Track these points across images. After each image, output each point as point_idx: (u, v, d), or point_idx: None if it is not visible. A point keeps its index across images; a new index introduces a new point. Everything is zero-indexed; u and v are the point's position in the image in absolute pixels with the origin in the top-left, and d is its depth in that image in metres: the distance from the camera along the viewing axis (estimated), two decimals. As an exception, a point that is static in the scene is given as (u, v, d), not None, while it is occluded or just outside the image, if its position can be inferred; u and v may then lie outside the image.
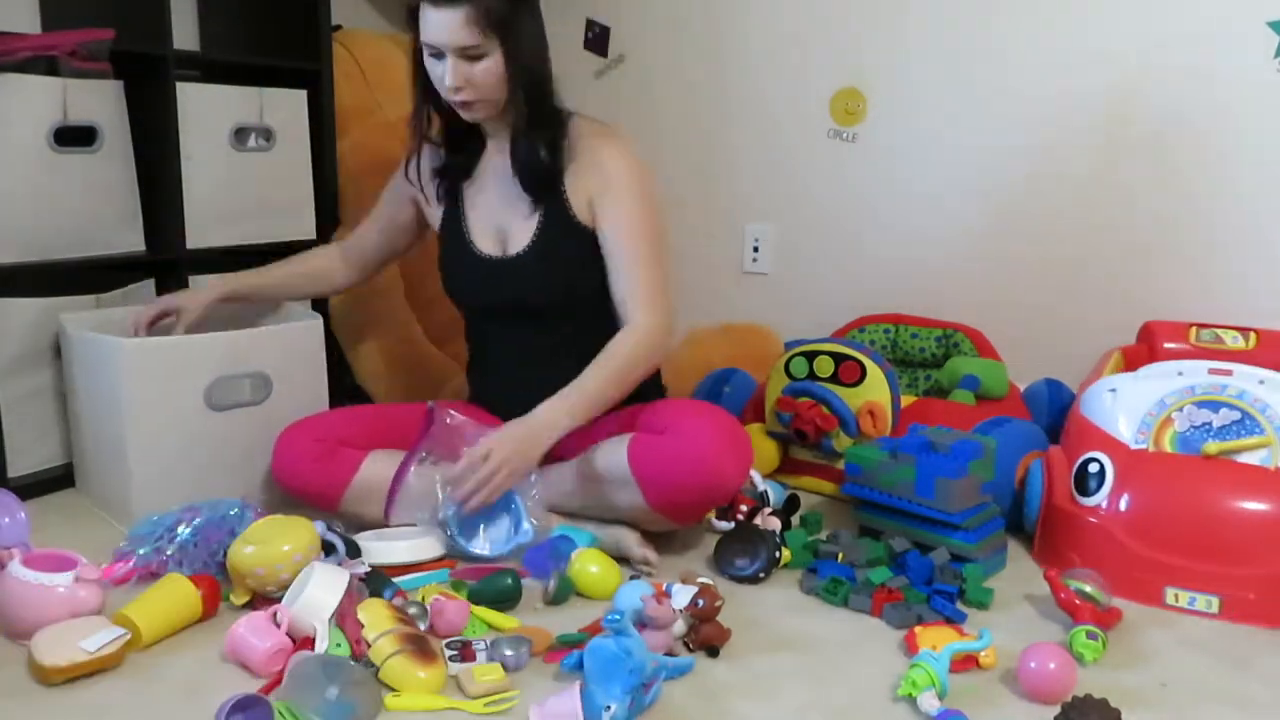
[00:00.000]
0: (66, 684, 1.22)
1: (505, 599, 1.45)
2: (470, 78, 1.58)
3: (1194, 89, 2.04)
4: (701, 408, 1.62)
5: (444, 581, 1.51)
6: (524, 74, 1.61)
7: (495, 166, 1.74)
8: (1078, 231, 2.19)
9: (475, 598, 1.44)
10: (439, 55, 1.58)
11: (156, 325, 1.81)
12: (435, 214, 1.82)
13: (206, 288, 1.86)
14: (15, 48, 1.73)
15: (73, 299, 1.87)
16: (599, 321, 1.71)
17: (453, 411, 1.67)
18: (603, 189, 1.66)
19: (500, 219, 1.73)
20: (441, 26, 1.54)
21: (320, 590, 1.31)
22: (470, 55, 1.56)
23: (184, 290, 1.89)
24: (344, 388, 2.20)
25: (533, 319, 1.72)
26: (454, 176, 1.78)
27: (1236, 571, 1.45)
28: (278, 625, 1.29)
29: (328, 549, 1.47)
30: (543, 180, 1.67)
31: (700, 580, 1.39)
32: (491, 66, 1.58)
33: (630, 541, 1.60)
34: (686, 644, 1.33)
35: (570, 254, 1.69)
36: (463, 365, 2.19)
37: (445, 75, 1.57)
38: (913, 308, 2.29)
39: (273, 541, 1.41)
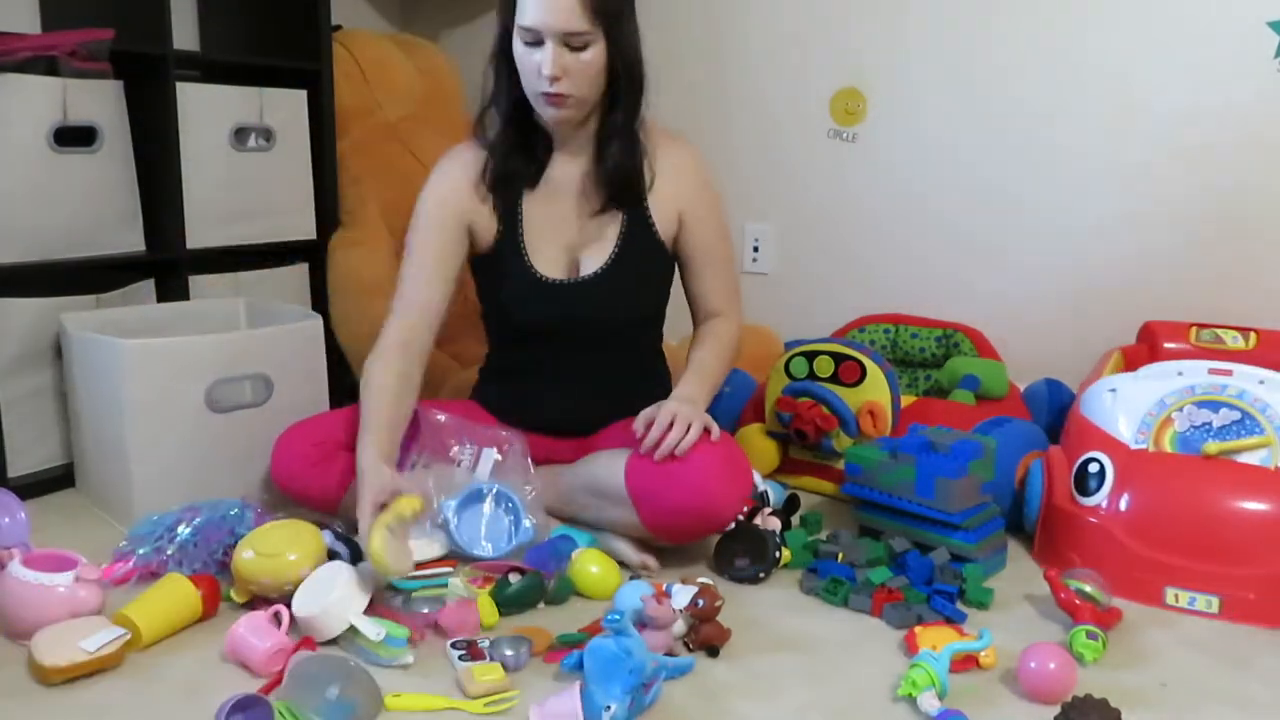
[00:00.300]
0: (66, 684, 1.22)
1: (529, 599, 1.45)
2: (570, 68, 1.50)
3: (1194, 89, 2.04)
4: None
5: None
6: (626, 69, 1.55)
7: (564, 179, 1.66)
8: (1078, 231, 2.19)
9: (500, 598, 1.43)
10: (537, 42, 1.49)
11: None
12: (487, 231, 1.67)
13: (378, 473, 1.46)
14: (15, 48, 1.73)
15: (73, 299, 1.87)
16: (644, 341, 1.77)
17: (436, 411, 1.67)
18: (690, 197, 1.67)
19: (569, 238, 1.65)
20: (549, 8, 1.46)
21: (352, 590, 1.31)
22: (574, 44, 1.49)
23: (371, 485, 1.44)
24: (344, 388, 2.20)
25: (586, 341, 1.67)
26: (516, 187, 1.65)
27: (1237, 571, 1.45)
28: (278, 625, 1.30)
29: (332, 556, 1.47)
30: (634, 187, 1.63)
31: (700, 580, 1.39)
32: (593, 59, 1.50)
33: (626, 550, 1.58)
34: (686, 644, 1.33)
35: (648, 272, 1.68)
36: (463, 365, 2.19)
37: (543, 63, 1.48)
38: (913, 308, 2.29)
39: (279, 553, 1.40)
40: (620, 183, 1.62)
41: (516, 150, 1.63)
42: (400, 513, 1.38)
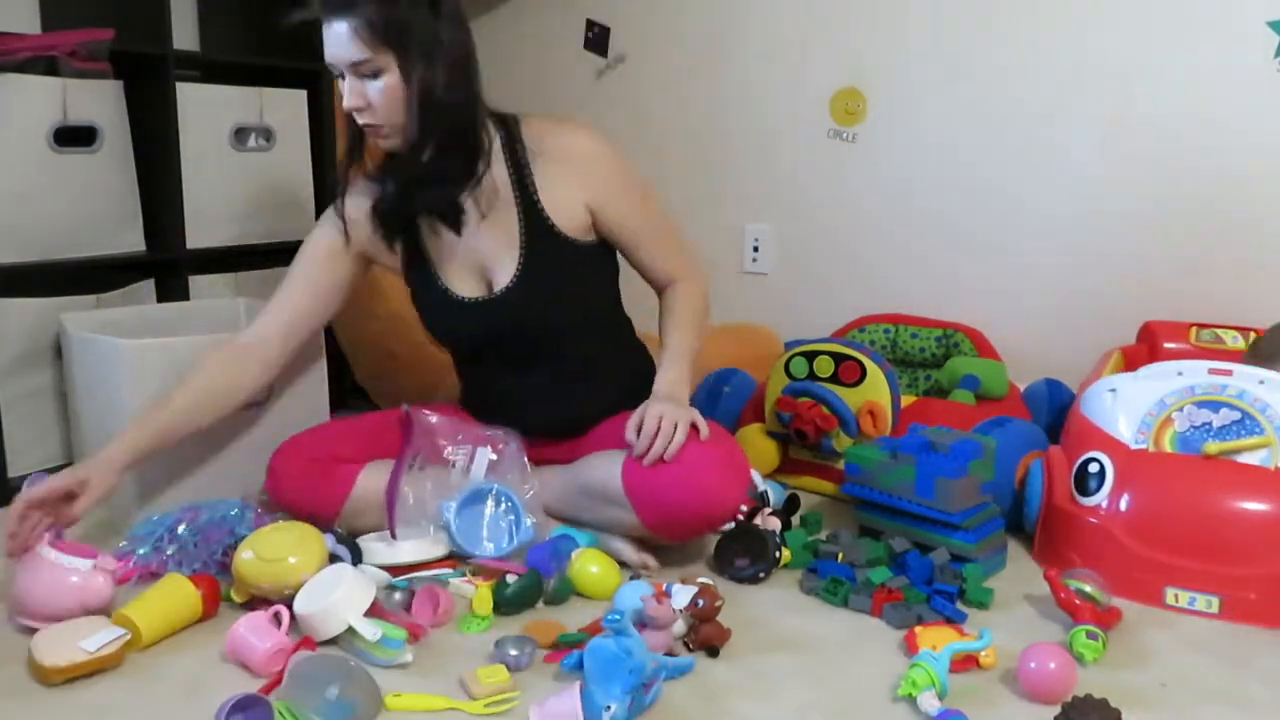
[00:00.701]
0: (66, 684, 1.22)
1: (528, 598, 1.45)
2: (369, 98, 1.45)
3: (1194, 88, 2.04)
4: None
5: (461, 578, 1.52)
6: (426, 94, 1.45)
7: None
8: (1078, 231, 2.19)
9: (499, 598, 1.43)
10: (341, 75, 1.47)
11: (53, 508, 1.40)
12: (393, 259, 1.66)
13: (105, 456, 1.46)
14: (15, 48, 1.73)
15: (73, 299, 1.88)
16: (601, 337, 1.71)
17: (427, 412, 1.66)
18: (596, 186, 1.60)
19: (474, 257, 1.62)
20: (330, 41, 1.44)
21: (354, 591, 1.31)
22: (363, 72, 1.44)
23: (86, 462, 1.46)
24: (344, 388, 2.20)
25: (534, 343, 1.65)
26: (404, 215, 1.61)
27: (1237, 571, 1.45)
28: (278, 625, 1.29)
29: (333, 560, 1.46)
30: (447, 214, 1.56)
31: (700, 580, 1.39)
32: (389, 85, 1.45)
33: (626, 550, 1.58)
34: (686, 644, 1.33)
35: (564, 274, 1.61)
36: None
37: (344, 96, 1.46)
38: (913, 308, 2.29)
39: (281, 557, 1.39)
40: (433, 211, 1.57)
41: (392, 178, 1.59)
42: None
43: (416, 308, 1.70)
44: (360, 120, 1.49)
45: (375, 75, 1.45)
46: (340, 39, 1.43)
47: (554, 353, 1.66)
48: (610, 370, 1.71)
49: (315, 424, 1.78)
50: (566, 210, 1.59)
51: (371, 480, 1.63)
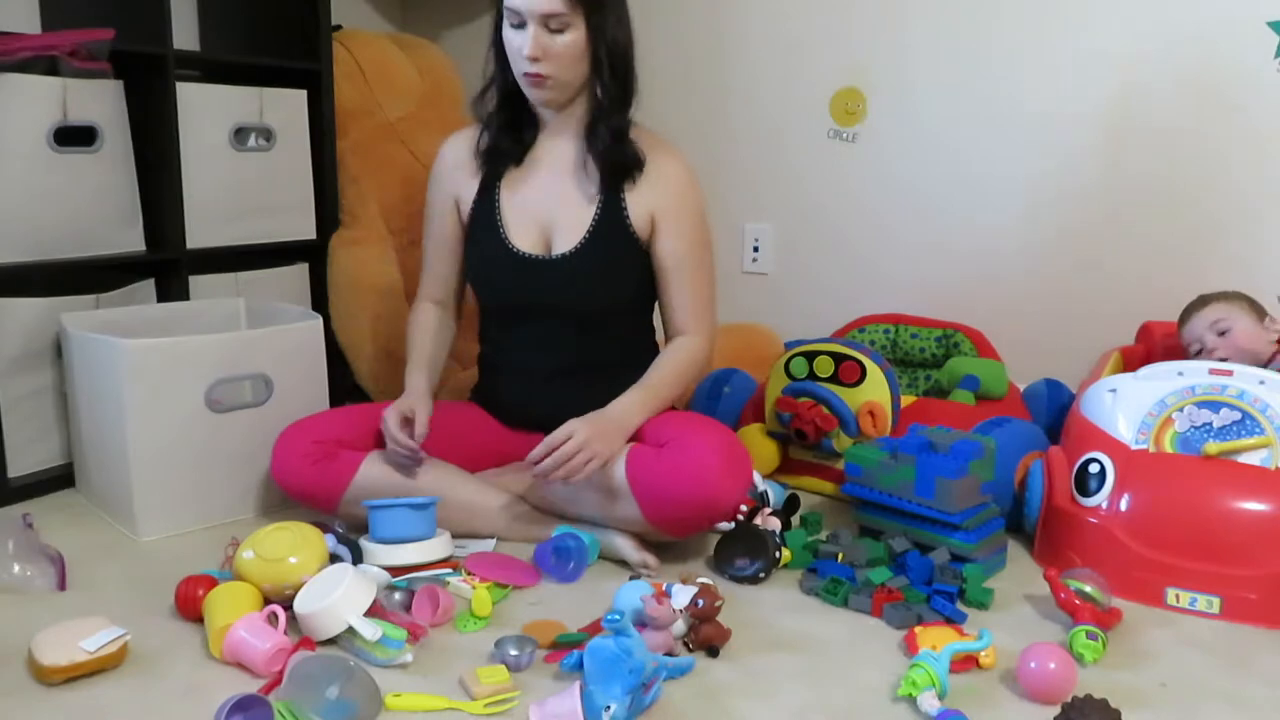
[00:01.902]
0: (66, 684, 1.22)
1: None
2: (549, 49, 1.55)
3: (1194, 89, 2.04)
4: (702, 423, 1.62)
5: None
6: (608, 55, 1.58)
7: (549, 158, 1.71)
8: (1078, 231, 2.19)
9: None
10: (520, 24, 1.55)
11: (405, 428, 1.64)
12: (468, 201, 1.76)
13: (415, 390, 1.71)
14: (15, 48, 1.73)
15: (73, 299, 1.87)
16: (628, 332, 1.77)
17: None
18: (666, 203, 1.67)
19: (547, 215, 1.69)
20: None
21: (354, 591, 1.31)
22: (553, 25, 1.53)
23: (406, 397, 1.69)
24: (344, 388, 2.20)
25: (565, 324, 1.70)
26: (501, 162, 1.72)
27: (1237, 572, 1.45)
28: (274, 625, 1.29)
29: (333, 560, 1.46)
30: (616, 174, 1.65)
31: (700, 580, 1.39)
32: (573, 41, 1.55)
33: (626, 547, 1.59)
34: (686, 644, 1.33)
35: (619, 259, 1.68)
36: (462, 365, 2.19)
37: (524, 44, 1.54)
38: (913, 308, 2.29)
39: (281, 557, 1.39)
40: (604, 169, 1.66)
41: (505, 129, 1.70)
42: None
43: (468, 254, 1.78)
44: (533, 69, 1.56)
45: (563, 30, 1.55)
46: None
47: (586, 331, 1.71)
48: (626, 371, 1.70)
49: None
50: (640, 212, 1.68)
51: (374, 469, 1.64)
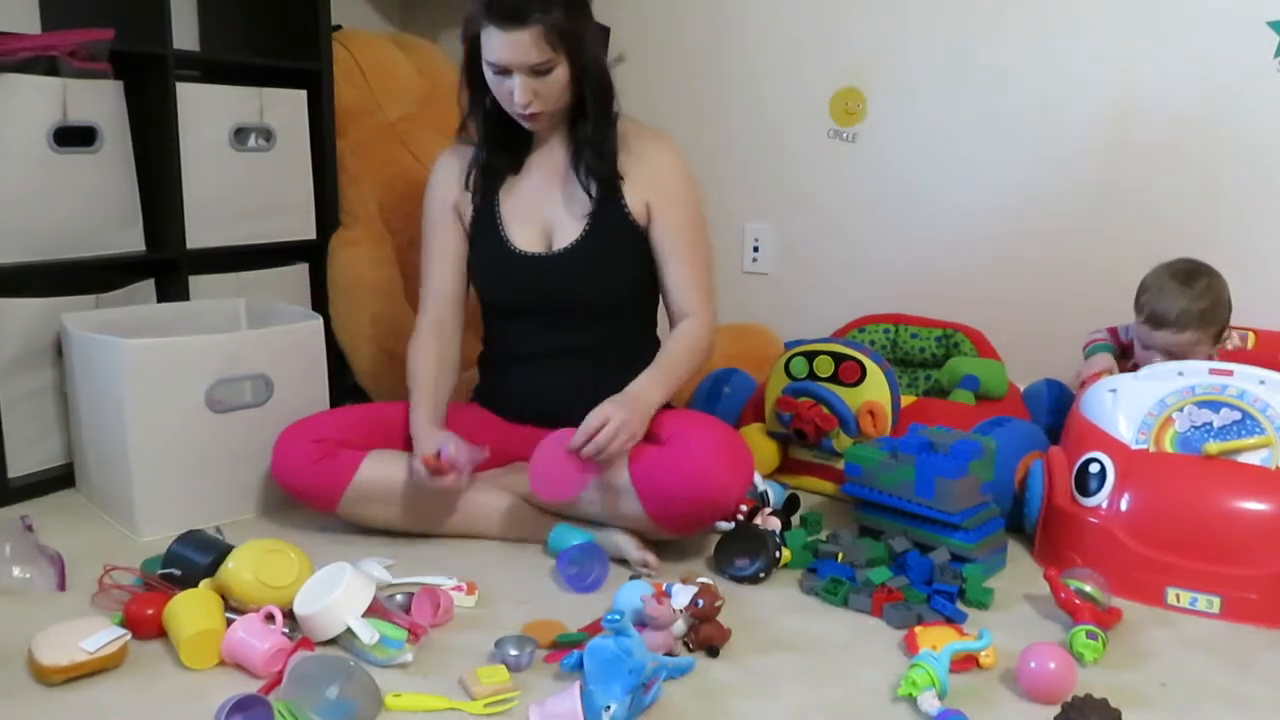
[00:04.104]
0: (66, 684, 1.22)
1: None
2: (539, 91, 1.60)
3: (1194, 89, 2.04)
4: (704, 421, 1.65)
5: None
6: (591, 82, 1.64)
7: (544, 163, 1.75)
8: (1078, 231, 2.19)
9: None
10: (505, 73, 1.59)
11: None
12: (468, 211, 1.80)
13: (429, 428, 1.65)
14: (15, 48, 1.73)
15: (73, 299, 1.87)
16: (630, 326, 1.78)
17: None
18: (660, 190, 1.70)
19: (545, 213, 1.73)
20: (510, 47, 1.55)
21: (353, 592, 1.31)
22: (540, 70, 1.58)
23: (427, 432, 1.64)
24: (344, 388, 2.20)
25: (567, 319, 1.72)
26: (499, 177, 1.77)
27: (1237, 572, 1.45)
28: (271, 625, 1.29)
29: None
30: (608, 179, 1.69)
31: (700, 580, 1.39)
32: (559, 76, 1.60)
33: (627, 546, 1.59)
34: (686, 644, 1.33)
35: (619, 250, 1.71)
36: (464, 367, 2.19)
37: (515, 92, 1.59)
38: (913, 308, 2.29)
39: (284, 584, 1.36)
40: (593, 174, 1.69)
41: (498, 148, 1.74)
42: None
43: (472, 258, 1.80)
44: (527, 111, 1.61)
45: (549, 72, 1.59)
46: (521, 44, 1.55)
47: (588, 327, 1.72)
48: (628, 362, 1.68)
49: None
50: (636, 201, 1.71)
51: (374, 469, 1.65)
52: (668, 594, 1.33)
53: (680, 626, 1.32)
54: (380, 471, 1.65)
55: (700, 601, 1.32)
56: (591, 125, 1.68)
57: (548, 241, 1.73)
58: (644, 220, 1.72)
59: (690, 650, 1.33)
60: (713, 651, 1.32)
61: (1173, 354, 1.77)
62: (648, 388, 1.61)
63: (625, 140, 1.71)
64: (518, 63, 1.56)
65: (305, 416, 1.73)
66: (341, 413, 1.80)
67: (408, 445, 1.67)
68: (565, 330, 1.73)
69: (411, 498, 1.65)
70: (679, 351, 1.68)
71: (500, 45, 1.56)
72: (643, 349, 1.75)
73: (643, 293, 1.78)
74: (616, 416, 1.52)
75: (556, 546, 1.60)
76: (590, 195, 1.70)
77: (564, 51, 1.58)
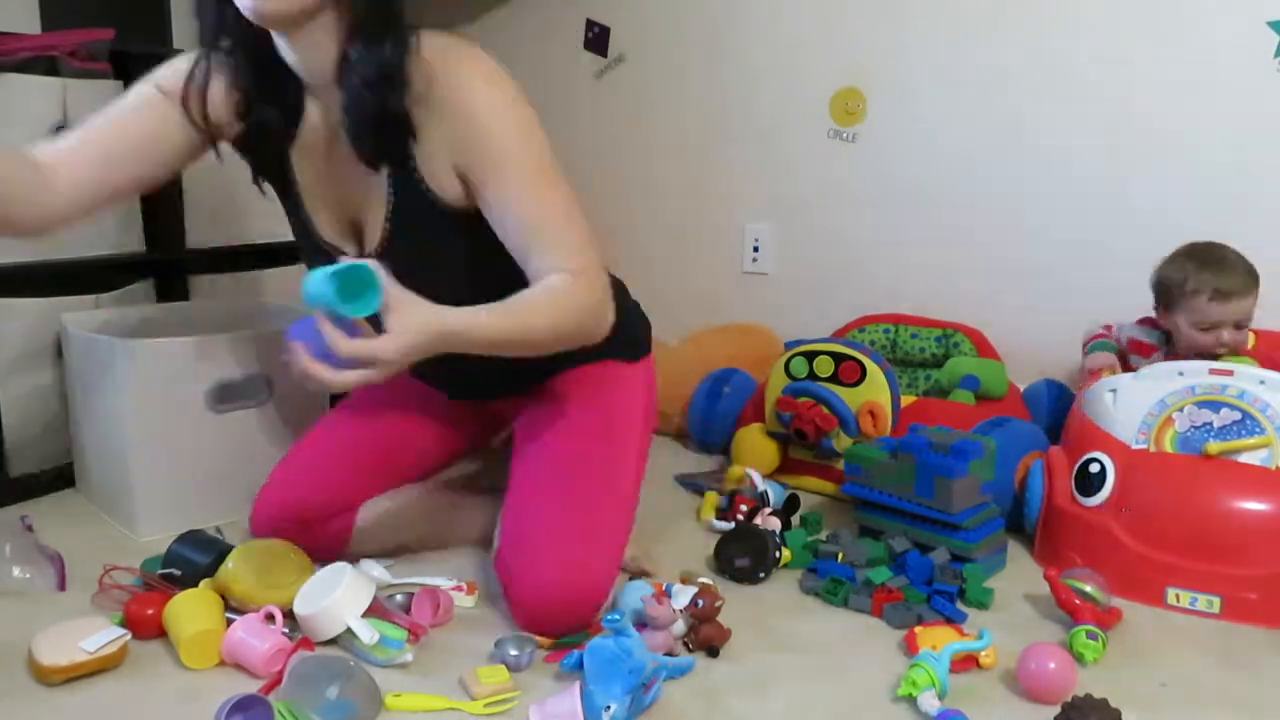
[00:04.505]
0: (66, 684, 1.22)
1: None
2: None
3: (1194, 89, 2.04)
4: (560, 524, 1.35)
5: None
6: None
7: (321, 126, 1.32)
8: (1078, 231, 2.19)
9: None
10: None
11: None
12: (270, 180, 1.41)
13: None
14: (15, 48, 1.73)
15: (73, 299, 1.87)
16: (514, 267, 1.29)
17: None
18: (473, 150, 1.24)
19: (345, 200, 1.34)
20: None
21: (353, 592, 1.31)
22: None
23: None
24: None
25: (440, 296, 1.20)
26: (272, 137, 1.33)
27: (1237, 572, 1.45)
28: (271, 625, 1.29)
29: None
30: (387, 134, 1.23)
31: (700, 580, 1.39)
32: None
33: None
34: (686, 644, 1.33)
35: (439, 244, 1.31)
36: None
37: None
38: (912, 308, 2.29)
39: (285, 584, 1.36)
40: (363, 134, 1.23)
41: (262, 98, 1.31)
42: None
43: (293, 234, 1.45)
44: None
45: None
46: None
47: (468, 298, 1.22)
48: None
49: (309, 426, 1.63)
50: (438, 170, 1.27)
51: (368, 522, 1.55)
52: (668, 594, 1.33)
53: (680, 626, 1.32)
54: (378, 518, 1.56)
55: (700, 601, 1.32)
56: (361, 43, 1.19)
57: (358, 236, 1.36)
58: (457, 188, 1.27)
59: (690, 650, 1.33)
60: (713, 651, 1.32)
61: (1240, 324, 1.76)
62: (468, 327, 1.17)
63: (426, 84, 1.22)
64: None
65: (276, 474, 1.53)
66: (317, 466, 1.53)
67: (396, 469, 1.57)
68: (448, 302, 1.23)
69: (416, 526, 1.60)
70: (530, 303, 1.22)
71: None
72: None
73: (499, 269, 1.29)
74: (384, 362, 1.11)
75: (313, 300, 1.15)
76: (383, 163, 1.26)
77: None
